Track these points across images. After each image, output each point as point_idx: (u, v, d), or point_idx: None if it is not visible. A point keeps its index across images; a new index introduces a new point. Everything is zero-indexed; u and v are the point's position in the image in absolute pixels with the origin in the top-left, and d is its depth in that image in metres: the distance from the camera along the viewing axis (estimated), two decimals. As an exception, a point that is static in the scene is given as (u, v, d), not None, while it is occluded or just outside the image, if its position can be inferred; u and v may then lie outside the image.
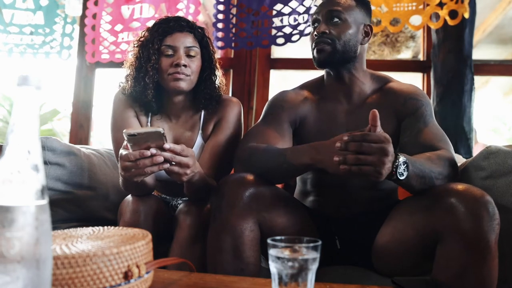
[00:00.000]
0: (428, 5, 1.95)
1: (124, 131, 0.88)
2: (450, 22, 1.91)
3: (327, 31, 1.09)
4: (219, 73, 1.30)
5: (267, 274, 0.71)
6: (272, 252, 0.60)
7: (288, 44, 2.00)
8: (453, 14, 1.91)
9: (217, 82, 1.28)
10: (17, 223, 0.43)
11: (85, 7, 2.26)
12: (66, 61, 2.31)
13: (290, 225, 1.02)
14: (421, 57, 2.41)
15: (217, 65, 1.29)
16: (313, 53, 1.14)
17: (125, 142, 0.93)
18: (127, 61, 1.26)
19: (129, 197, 1.21)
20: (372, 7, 1.95)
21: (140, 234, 0.74)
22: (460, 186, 0.87)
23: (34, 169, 0.45)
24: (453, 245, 0.84)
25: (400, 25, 2.00)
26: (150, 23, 2.09)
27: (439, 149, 1.00)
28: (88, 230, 0.78)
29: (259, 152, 1.03)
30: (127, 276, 0.63)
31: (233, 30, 2.07)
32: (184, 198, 1.32)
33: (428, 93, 2.19)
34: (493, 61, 2.51)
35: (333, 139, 0.90)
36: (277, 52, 2.49)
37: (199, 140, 1.27)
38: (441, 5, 1.93)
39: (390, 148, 0.79)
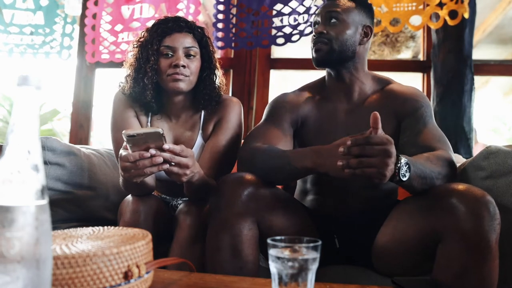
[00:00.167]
0: (428, 5, 1.95)
1: (123, 132, 0.88)
2: (450, 22, 1.91)
3: (324, 31, 1.12)
4: (219, 73, 1.29)
5: (266, 273, 0.71)
6: (272, 252, 0.60)
7: (288, 44, 2.00)
8: (453, 14, 1.91)
9: (217, 82, 1.28)
10: (17, 223, 0.43)
11: (85, 7, 2.26)
12: (66, 61, 2.31)
13: (289, 224, 1.02)
14: (421, 57, 2.41)
15: (217, 65, 1.29)
16: (312, 53, 1.17)
17: (124, 143, 0.93)
18: (126, 61, 1.26)
19: (129, 197, 1.21)
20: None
21: (140, 234, 0.74)
22: (461, 186, 0.87)
23: (34, 169, 0.45)
24: (453, 245, 0.84)
25: (400, 25, 2.00)
26: (150, 23, 2.09)
27: (438, 150, 1.00)
28: (88, 230, 0.78)
29: (262, 153, 1.04)
30: (127, 276, 0.63)
31: (233, 30, 2.07)
32: (184, 198, 1.32)
33: (428, 93, 2.19)
34: (493, 61, 2.52)
35: (334, 143, 0.90)
36: (277, 52, 2.49)
37: (199, 140, 1.27)
38: (441, 5, 1.93)
39: (393, 150, 0.79)
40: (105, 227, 0.80)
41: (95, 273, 0.60)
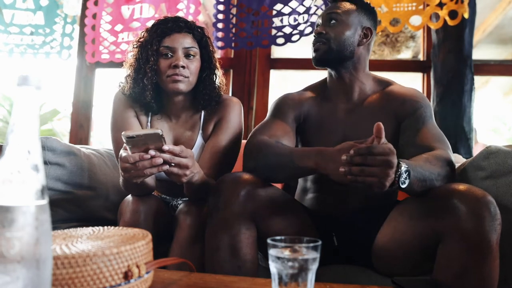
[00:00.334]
0: (428, 5, 1.95)
1: (122, 133, 0.88)
2: (450, 22, 1.91)
3: (323, 32, 1.15)
4: (219, 73, 1.29)
5: (266, 273, 0.71)
6: (272, 252, 0.61)
7: (288, 44, 2.00)
8: (453, 14, 1.91)
9: (217, 82, 1.28)
10: (17, 223, 0.43)
11: (85, 7, 2.26)
12: (66, 61, 2.31)
13: (287, 224, 1.03)
14: (421, 57, 2.41)
15: (217, 65, 1.29)
16: (312, 53, 1.19)
17: (124, 144, 0.93)
18: (126, 62, 1.26)
19: (129, 197, 1.21)
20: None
21: (140, 234, 0.74)
22: (462, 187, 0.87)
23: (34, 169, 0.45)
24: (454, 245, 0.84)
25: (400, 25, 2.00)
26: (150, 23, 2.09)
27: (436, 149, 1.01)
28: (88, 230, 0.78)
29: (266, 149, 1.04)
30: (127, 276, 0.64)
31: (233, 30, 2.07)
32: (184, 198, 1.32)
33: (428, 93, 2.19)
34: (493, 61, 2.52)
35: (339, 147, 0.90)
36: (277, 52, 2.49)
37: (199, 140, 1.27)
38: (441, 5, 1.93)
39: (394, 160, 0.80)
40: (105, 227, 0.80)
41: (95, 273, 0.60)
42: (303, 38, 1.98)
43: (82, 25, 2.30)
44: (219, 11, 2.08)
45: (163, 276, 0.79)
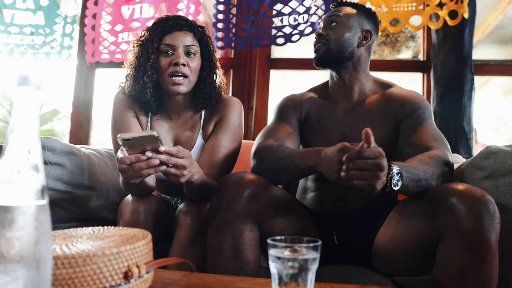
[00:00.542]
0: (428, 5, 1.95)
1: (118, 136, 0.88)
2: (450, 22, 1.91)
3: (324, 33, 1.19)
4: (219, 72, 1.29)
5: (267, 273, 0.71)
6: (272, 252, 0.61)
7: (288, 44, 2.00)
8: (453, 14, 1.91)
9: (217, 81, 1.28)
10: (17, 223, 0.43)
11: (85, 7, 2.26)
12: (66, 61, 2.31)
13: (289, 225, 1.03)
14: (421, 57, 2.41)
15: (217, 64, 1.29)
16: (313, 54, 1.22)
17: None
18: (127, 60, 1.26)
19: (129, 197, 1.21)
20: (372, 7, 1.95)
21: (140, 234, 0.74)
22: (461, 186, 0.87)
23: (34, 169, 0.45)
24: (454, 244, 0.84)
25: (400, 25, 2.00)
26: (150, 23, 2.09)
27: (433, 149, 1.01)
28: (88, 230, 0.78)
29: (269, 153, 1.07)
30: (127, 276, 0.63)
31: (233, 30, 2.07)
32: (185, 198, 1.32)
33: (428, 93, 2.19)
34: (493, 61, 2.51)
35: (335, 147, 0.91)
36: (277, 52, 2.49)
37: (199, 140, 1.27)
38: (441, 5, 1.93)
39: (384, 163, 0.81)
40: (105, 227, 0.80)
41: (95, 273, 0.60)
42: (303, 38, 1.98)
43: (82, 25, 2.30)
44: (219, 11, 2.08)
45: (163, 276, 0.79)
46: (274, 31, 2.03)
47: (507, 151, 1.06)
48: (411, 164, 0.91)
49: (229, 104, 1.27)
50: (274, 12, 2.03)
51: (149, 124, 1.27)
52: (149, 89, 1.19)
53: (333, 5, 1.28)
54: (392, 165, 0.84)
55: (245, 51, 2.31)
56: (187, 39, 1.20)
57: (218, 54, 1.40)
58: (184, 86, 1.18)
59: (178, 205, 1.31)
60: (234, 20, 2.07)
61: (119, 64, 1.36)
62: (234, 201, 0.95)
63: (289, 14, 2.01)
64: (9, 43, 2.28)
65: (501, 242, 0.85)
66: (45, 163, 1.28)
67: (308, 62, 1.31)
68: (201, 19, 2.91)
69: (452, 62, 2.04)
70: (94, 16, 2.23)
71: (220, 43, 2.06)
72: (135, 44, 1.24)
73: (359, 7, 1.23)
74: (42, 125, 4.10)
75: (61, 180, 1.32)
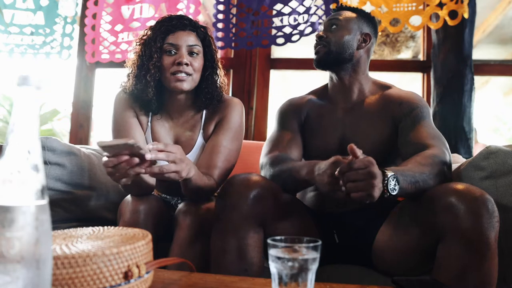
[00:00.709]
0: (428, 5, 1.95)
1: (97, 142, 0.88)
2: (450, 22, 1.91)
3: (324, 36, 1.21)
4: (221, 72, 1.30)
5: (269, 274, 0.71)
6: (272, 252, 0.61)
7: (288, 44, 2.00)
8: (453, 14, 1.91)
9: (219, 81, 1.28)
10: (17, 223, 0.43)
11: (85, 7, 2.26)
12: (66, 61, 2.31)
13: (292, 226, 1.04)
14: (421, 57, 2.41)
15: (219, 64, 1.29)
16: (313, 56, 1.24)
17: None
18: (129, 59, 1.26)
19: (129, 197, 1.21)
20: (372, 7, 1.95)
21: (140, 234, 0.74)
22: (460, 186, 0.88)
23: (34, 169, 0.45)
24: (453, 243, 0.84)
25: (400, 25, 2.00)
26: (150, 23, 2.09)
27: (431, 147, 1.02)
28: (88, 230, 0.78)
29: (275, 163, 1.10)
30: (127, 276, 0.63)
31: (233, 30, 2.07)
32: (184, 198, 1.32)
33: (428, 93, 2.19)
34: (493, 61, 2.51)
35: (327, 161, 0.92)
36: (277, 52, 2.49)
37: (200, 139, 1.27)
38: (441, 5, 1.93)
39: (376, 170, 0.82)
40: (105, 227, 0.80)
41: (95, 273, 0.60)
42: (303, 38, 1.98)
43: (82, 25, 2.30)
44: (219, 11, 2.08)
45: (163, 276, 0.79)
46: (274, 31, 2.03)
47: (507, 151, 1.06)
48: (406, 167, 0.92)
49: (231, 104, 1.27)
50: (274, 12, 2.03)
51: (149, 124, 1.27)
52: (151, 88, 1.19)
53: (333, 9, 1.30)
54: (386, 171, 0.85)
55: (245, 51, 2.31)
56: (190, 39, 1.20)
57: (218, 54, 1.39)
58: (187, 83, 1.19)
59: (178, 205, 1.31)
60: (234, 20, 2.07)
61: (119, 64, 1.37)
62: (239, 203, 0.95)
63: (289, 14, 2.01)
64: (9, 43, 2.28)
65: (500, 241, 0.85)
66: (45, 163, 1.28)
67: (308, 62, 1.32)
68: (201, 19, 2.90)
69: (452, 62, 2.03)
70: (94, 16, 2.23)
71: (220, 43, 2.05)
72: (138, 43, 1.24)
73: (359, 11, 1.25)
74: (42, 125, 4.10)
75: (61, 180, 1.32)
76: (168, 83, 1.20)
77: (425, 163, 0.95)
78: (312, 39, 1.26)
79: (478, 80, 2.48)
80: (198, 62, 1.21)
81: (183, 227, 1.13)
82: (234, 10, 2.09)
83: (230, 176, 1.03)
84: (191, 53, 1.20)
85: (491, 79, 4.48)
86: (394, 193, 0.86)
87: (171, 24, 1.20)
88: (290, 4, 2.00)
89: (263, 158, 1.17)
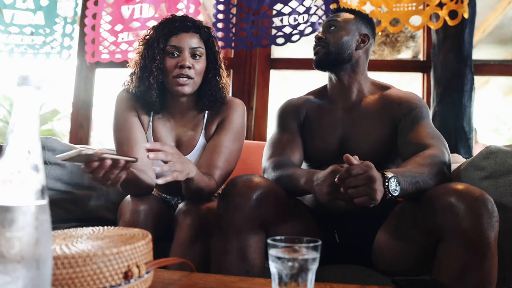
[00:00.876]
0: (428, 5, 1.95)
1: (56, 157, 0.86)
2: (450, 22, 1.91)
3: (323, 37, 1.22)
4: (224, 73, 1.29)
5: (269, 274, 0.71)
6: (272, 252, 0.61)
7: (288, 44, 2.00)
8: (453, 14, 1.91)
9: (221, 82, 1.28)
10: (17, 223, 0.43)
11: (85, 7, 2.26)
12: (66, 61, 2.31)
13: (293, 226, 1.04)
14: (421, 57, 2.41)
15: (222, 65, 1.29)
16: (313, 57, 1.25)
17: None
18: (132, 59, 1.26)
19: (129, 197, 1.21)
20: (372, 7, 1.95)
21: (140, 234, 0.74)
22: (460, 186, 0.88)
23: (34, 169, 0.45)
24: (453, 243, 0.85)
25: (400, 25, 2.00)
26: (150, 23, 2.09)
27: (430, 147, 1.02)
28: (88, 230, 0.78)
29: (276, 168, 1.11)
30: (127, 276, 0.63)
31: (233, 30, 2.07)
32: (184, 198, 1.32)
33: (428, 93, 2.19)
34: (493, 61, 2.51)
35: (326, 170, 0.92)
36: (277, 52, 2.49)
37: (201, 140, 1.27)
38: (441, 5, 1.93)
39: (375, 173, 0.82)
40: (105, 227, 0.80)
41: (95, 273, 0.60)
42: (303, 38, 1.98)
43: (82, 25, 2.30)
44: (219, 11, 2.08)
45: (163, 276, 0.79)
46: (274, 31, 2.03)
47: (507, 151, 1.06)
48: (405, 168, 0.93)
49: (233, 105, 1.27)
50: (274, 12, 2.03)
51: (151, 123, 1.27)
52: (155, 90, 1.19)
53: (332, 11, 1.31)
54: (386, 173, 0.86)
55: (245, 51, 2.31)
56: (193, 41, 1.20)
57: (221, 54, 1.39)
58: (188, 87, 1.19)
59: (178, 205, 1.31)
60: (234, 20, 2.07)
61: (119, 64, 1.37)
62: (242, 205, 0.95)
63: (289, 14, 2.01)
64: (9, 43, 2.28)
65: (500, 241, 0.85)
66: (45, 163, 1.28)
67: (308, 62, 1.32)
68: (201, 19, 2.90)
69: (452, 62, 2.03)
70: (94, 16, 2.23)
71: (220, 43, 2.05)
72: (141, 43, 1.24)
73: (357, 13, 1.26)
74: (42, 125, 4.10)
75: (61, 180, 1.32)
76: (170, 86, 1.20)
77: (425, 163, 0.96)
78: (312, 39, 1.26)
79: (478, 80, 2.48)
80: (200, 64, 1.21)
81: (183, 227, 1.13)
82: (234, 10, 2.09)
83: (232, 177, 1.02)
84: (193, 55, 1.20)
85: (491, 79, 4.48)
86: (396, 194, 0.86)
87: (174, 26, 1.20)
88: (290, 4, 2.00)
89: (265, 162, 1.18)
